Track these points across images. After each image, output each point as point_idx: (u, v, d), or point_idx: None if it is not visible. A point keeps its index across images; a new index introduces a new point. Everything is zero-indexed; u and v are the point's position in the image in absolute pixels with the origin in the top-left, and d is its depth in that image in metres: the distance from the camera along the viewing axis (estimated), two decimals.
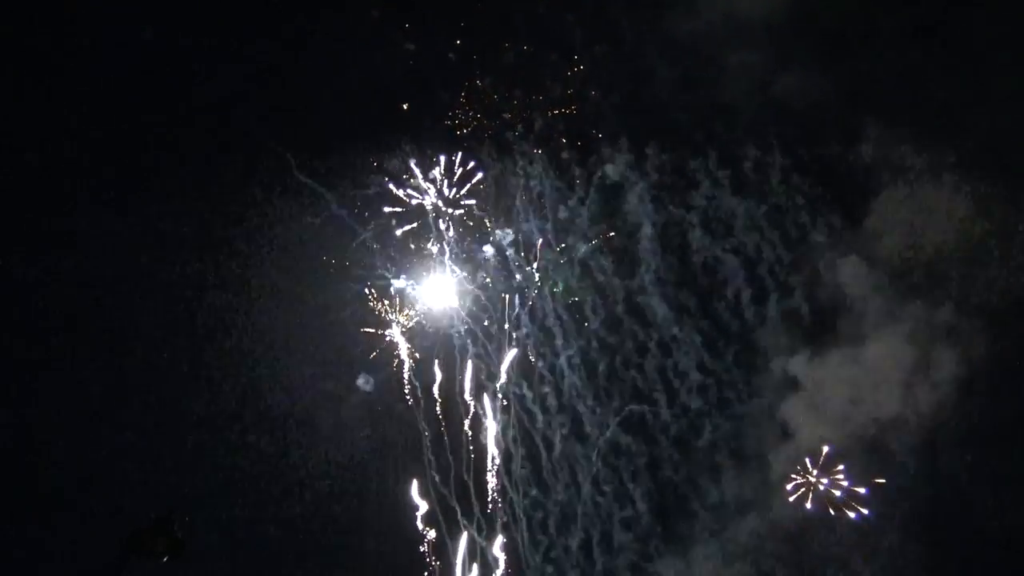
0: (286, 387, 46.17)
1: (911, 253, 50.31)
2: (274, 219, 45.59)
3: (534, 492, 49.71)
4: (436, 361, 47.28)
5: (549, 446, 48.94)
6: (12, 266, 41.31)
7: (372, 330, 46.60)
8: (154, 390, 43.56)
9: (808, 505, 49.20)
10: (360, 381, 45.92)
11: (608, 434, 49.85)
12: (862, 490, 48.66)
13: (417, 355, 47.05)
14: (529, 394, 48.78)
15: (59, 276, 42.41)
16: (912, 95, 47.90)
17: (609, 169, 46.77)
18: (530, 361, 48.63)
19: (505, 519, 48.16)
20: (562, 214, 47.07)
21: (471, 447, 47.41)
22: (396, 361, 46.83)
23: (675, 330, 50.33)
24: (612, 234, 47.84)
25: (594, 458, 49.72)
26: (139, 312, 44.32)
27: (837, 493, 48.93)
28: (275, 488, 44.93)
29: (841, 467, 49.32)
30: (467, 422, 47.02)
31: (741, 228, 50.22)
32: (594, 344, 48.49)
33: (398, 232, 46.21)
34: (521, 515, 48.98)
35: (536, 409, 48.94)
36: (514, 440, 48.43)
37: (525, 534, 48.92)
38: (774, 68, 47.65)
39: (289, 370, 46.04)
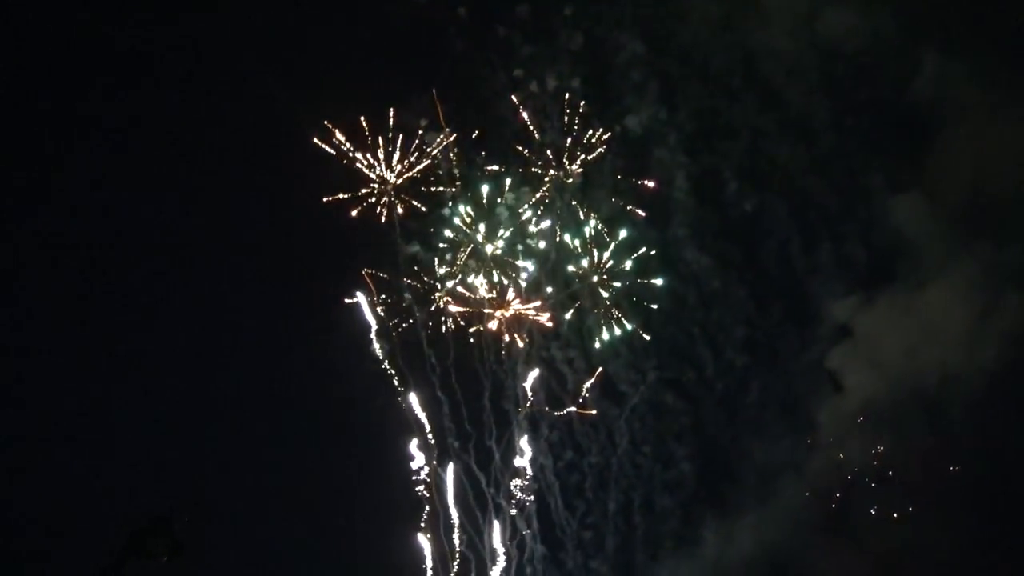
0: (286, 386, 46.19)
1: (974, 192, 47.57)
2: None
3: (569, 454, 48.57)
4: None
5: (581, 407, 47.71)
6: (11, 265, 41.31)
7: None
8: (154, 389, 43.89)
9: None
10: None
11: (643, 392, 48.30)
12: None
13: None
14: (559, 354, 47.54)
15: (59, 275, 42.57)
16: (974, 24, 44.81)
17: (636, 120, 44.52)
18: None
19: (536, 485, 47.32)
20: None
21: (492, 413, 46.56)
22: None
23: (716, 283, 48.36)
24: (646, 184, 45.59)
25: (627, 418, 48.30)
26: (139, 312, 44.78)
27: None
28: (275, 488, 44.96)
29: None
30: (488, 386, 45.94)
31: (788, 174, 47.64)
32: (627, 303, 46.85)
33: None
34: (554, 479, 48.07)
35: (567, 370, 47.72)
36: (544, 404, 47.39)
37: (559, 500, 48.07)
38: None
39: (289, 370, 45.89)
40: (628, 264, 45.67)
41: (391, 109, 42.76)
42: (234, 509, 42.01)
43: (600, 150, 44.56)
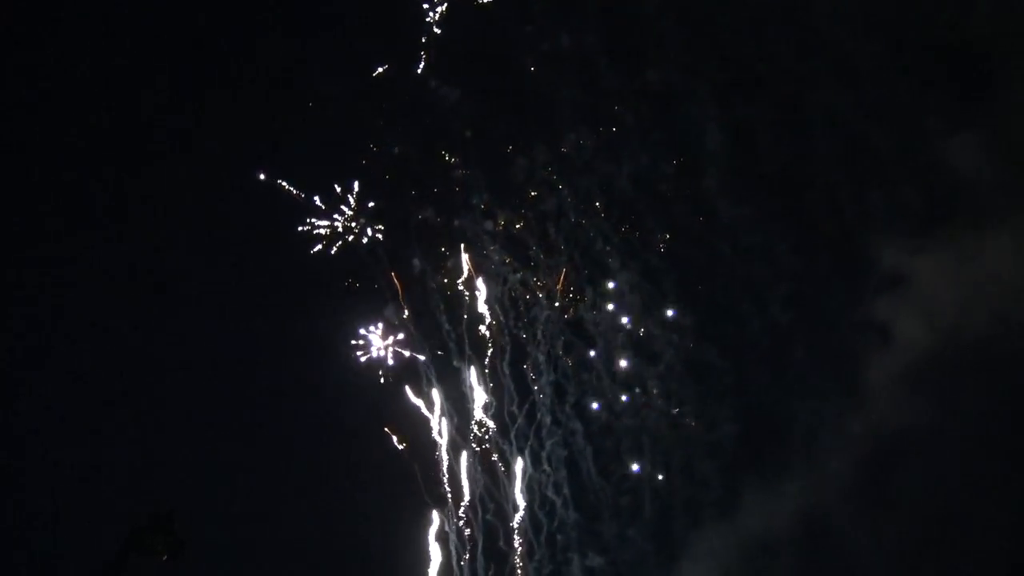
0: (287, 385, 45.94)
1: None
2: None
3: (604, 417, 47.39)
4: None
5: (608, 366, 46.42)
6: (11, 264, 41.40)
7: None
8: (154, 389, 43.93)
9: None
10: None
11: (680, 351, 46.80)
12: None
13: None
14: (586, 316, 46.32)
15: (59, 275, 42.71)
16: None
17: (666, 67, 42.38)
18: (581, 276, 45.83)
19: (566, 452, 46.44)
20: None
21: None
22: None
23: (758, 236, 46.44)
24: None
25: (664, 379, 46.93)
26: (139, 312, 44.57)
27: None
28: (275, 487, 44.68)
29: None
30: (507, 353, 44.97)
31: (837, 119, 45.18)
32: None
33: None
34: (585, 443, 47.11)
35: (594, 331, 46.46)
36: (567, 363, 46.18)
37: (591, 464, 47.08)
38: None
39: (290, 369, 45.63)
40: None
41: None
42: (234, 509, 42.26)
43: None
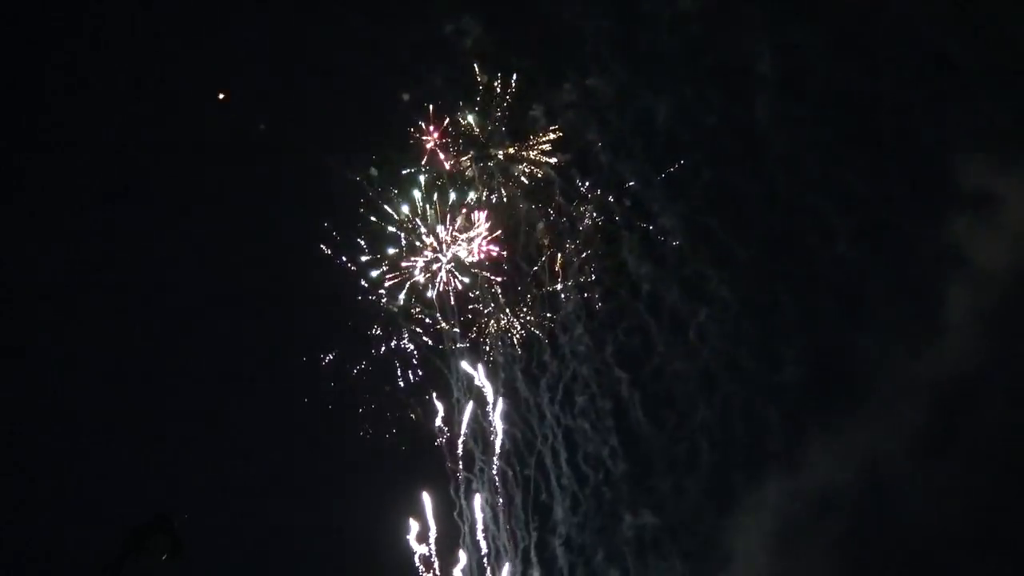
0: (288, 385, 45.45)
1: None
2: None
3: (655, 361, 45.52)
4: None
5: (655, 313, 44.44)
6: (10, 264, 41.59)
7: None
8: (155, 389, 44.12)
9: None
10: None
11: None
12: None
13: None
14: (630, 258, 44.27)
15: (59, 274, 42.73)
16: None
17: None
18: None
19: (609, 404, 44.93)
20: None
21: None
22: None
23: (821, 163, 43.45)
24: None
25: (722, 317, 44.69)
26: (140, 311, 44.83)
27: None
28: (275, 486, 44.70)
29: None
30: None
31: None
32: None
33: None
34: (634, 391, 45.47)
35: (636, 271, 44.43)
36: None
37: (639, 410, 45.42)
38: None
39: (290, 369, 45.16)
40: None
41: None
42: (233, 508, 42.20)
43: None
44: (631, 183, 42.95)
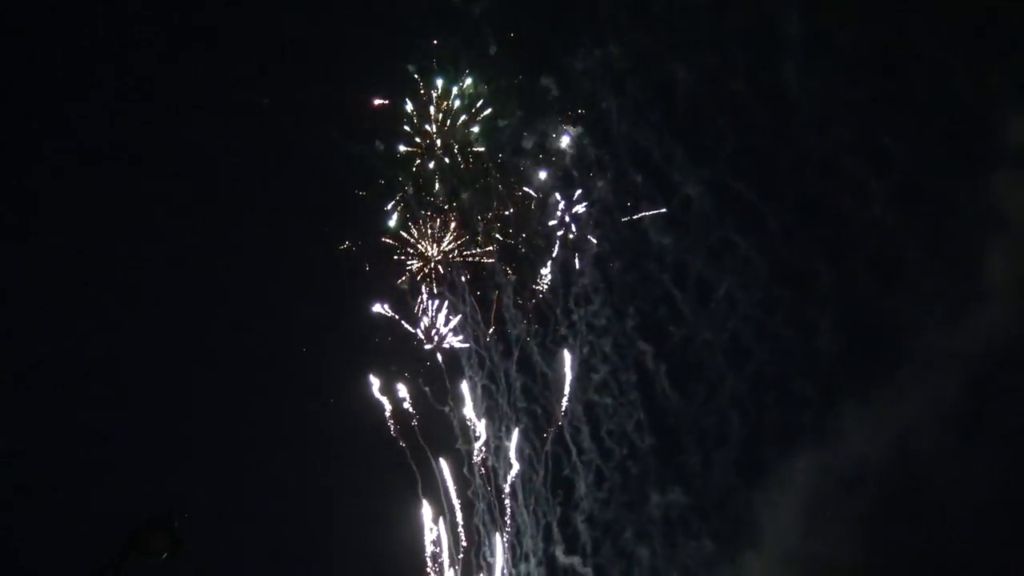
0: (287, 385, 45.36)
1: None
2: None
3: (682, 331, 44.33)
4: None
5: (680, 283, 43.21)
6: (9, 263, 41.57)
7: None
8: (155, 386, 44.10)
9: None
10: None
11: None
12: None
13: None
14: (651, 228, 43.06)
15: (58, 274, 42.57)
16: None
17: None
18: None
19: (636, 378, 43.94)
20: None
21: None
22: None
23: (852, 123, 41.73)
24: None
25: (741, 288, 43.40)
26: (140, 311, 44.59)
27: None
28: (275, 485, 44.42)
29: None
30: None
31: None
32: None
33: None
34: (662, 367, 44.47)
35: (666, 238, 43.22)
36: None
37: (665, 383, 44.38)
38: None
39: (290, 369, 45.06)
40: None
41: None
42: (234, 506, 42.32)
43: None
44: (651, 150, 41.55)
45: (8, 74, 40.96)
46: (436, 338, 44.26)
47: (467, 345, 44.38)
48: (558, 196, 43.30)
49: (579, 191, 43.25)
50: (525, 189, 43.33)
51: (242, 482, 43.53)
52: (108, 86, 43.35)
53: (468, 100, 42.35)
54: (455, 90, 42.66)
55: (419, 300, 44.31)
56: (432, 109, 42.99)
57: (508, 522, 43.34)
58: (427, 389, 43.84)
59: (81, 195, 42.19)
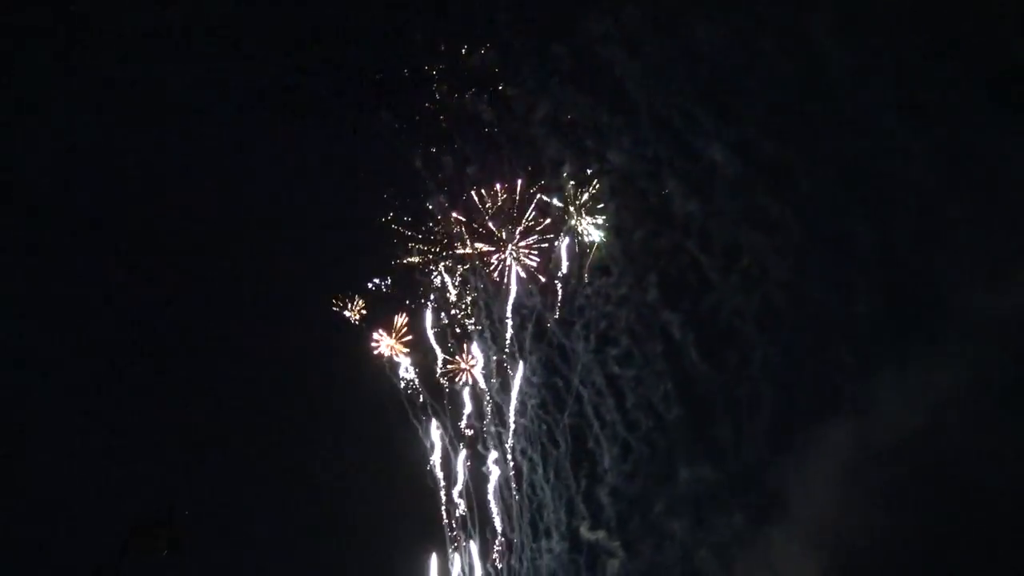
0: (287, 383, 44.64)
1: None
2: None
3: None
4: None
5: (706, 248, 41.82)
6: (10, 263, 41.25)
7: None
8: (155, 384, 43.84)
9: None
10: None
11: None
12: None
13: None
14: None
15: (58, 273, 42.52)
16: None
17: None
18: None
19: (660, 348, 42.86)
20: None
21: None
22: None
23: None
24: None
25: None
26: (140, 310, 44.31)
27: None
28: (274, 483, 44.11)
29: None
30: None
31: None
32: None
33: None
34: (690, 335, 43.21)
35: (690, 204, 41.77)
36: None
37: (693, 352, 43.24)
38: None
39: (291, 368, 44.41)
40: None
41: None
42: (234, 504, 42.20)
43: None
44: (674, 113, 39.99)
45: None
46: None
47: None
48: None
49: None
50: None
51: (243, 479, 43.59)
52: None
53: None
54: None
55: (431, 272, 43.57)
56: None
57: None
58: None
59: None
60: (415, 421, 43.82)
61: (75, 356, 42.59)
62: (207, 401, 43.61)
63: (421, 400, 43.89)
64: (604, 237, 42.76)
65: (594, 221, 42.75)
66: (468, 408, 44.34)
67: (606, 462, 43.34)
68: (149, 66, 41.71)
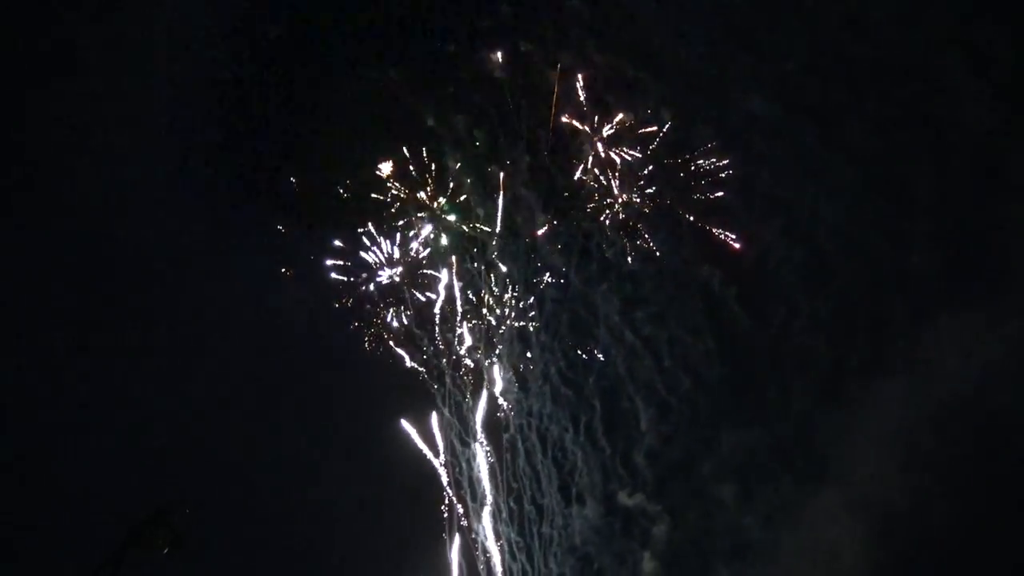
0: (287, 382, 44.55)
1: None
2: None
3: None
4: None
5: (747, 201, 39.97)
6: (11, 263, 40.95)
7: None
8: (154, 382, 43.54)
9: None
10: None
11: None
12: None
13: None
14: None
15: (58, 273, 42.00)
16: None
17: None
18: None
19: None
20: None
21: None
22: None
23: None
24: None
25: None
26: (140, 310, 43.97)
27: None
28: (275, 482, 44.05)
29: None
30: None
31: None
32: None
33: None
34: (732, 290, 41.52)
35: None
36: None
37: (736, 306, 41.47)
38: None
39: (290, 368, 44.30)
40: None
41: None
42: (234, 502, 42.06)
43: None
44: (703, 66, 37.99)
45: None
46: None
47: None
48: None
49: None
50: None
51: (243, 477, 43.71)
52: None
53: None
54: None
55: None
56: None
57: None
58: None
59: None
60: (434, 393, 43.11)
61: (74, 354, 42.77)
62: (208, 399, 43.65)
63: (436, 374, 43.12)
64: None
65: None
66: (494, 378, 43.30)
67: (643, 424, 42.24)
68: None
